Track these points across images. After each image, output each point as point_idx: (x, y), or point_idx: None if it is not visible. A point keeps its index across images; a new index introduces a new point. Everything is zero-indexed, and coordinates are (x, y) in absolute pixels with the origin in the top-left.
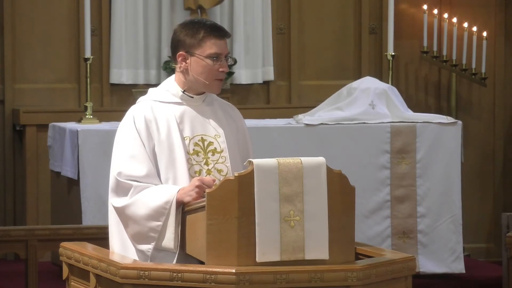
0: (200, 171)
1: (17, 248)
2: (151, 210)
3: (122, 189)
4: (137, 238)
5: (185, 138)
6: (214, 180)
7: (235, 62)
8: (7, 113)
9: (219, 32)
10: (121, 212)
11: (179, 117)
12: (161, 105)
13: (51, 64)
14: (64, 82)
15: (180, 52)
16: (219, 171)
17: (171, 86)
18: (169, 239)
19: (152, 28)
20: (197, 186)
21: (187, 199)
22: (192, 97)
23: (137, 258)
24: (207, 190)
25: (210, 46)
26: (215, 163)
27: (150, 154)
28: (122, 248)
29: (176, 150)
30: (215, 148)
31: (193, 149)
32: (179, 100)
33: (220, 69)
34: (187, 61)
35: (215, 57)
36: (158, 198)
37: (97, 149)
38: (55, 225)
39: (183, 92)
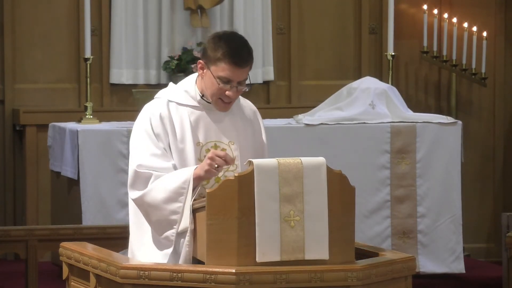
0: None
1: (17, 248)
2: (170, 192)
3: (142, 179)
4: (159, 224)
5: (198, 144)
6: (226, 154)
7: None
8: (7, 113)
9: (235, 60)
10: (140, 202)
11: (194, 121)
12: (177, 106)
13: (51, 64)
14: (64, 82)
15: (200, 60)
16: None
17: (190, 87)
18: (188, 218)
19: (152, 28)
20: (210, 158)
21: (201, 173)
22: (210, 103)
23: (159, 257)
24: (208, 190)
25: (223, 69)
26: (226, 171)
27: (167, 150)
28: (140, 246)
29: (187, 155)
30: None
31: (205, 156)
32: (197, 104)
33: (227, 93)
34: (204, 70)
35: (225, 81)
36: (175, 179)
37: (97, 149)
38: (55, 225)
39: (201, 97)
